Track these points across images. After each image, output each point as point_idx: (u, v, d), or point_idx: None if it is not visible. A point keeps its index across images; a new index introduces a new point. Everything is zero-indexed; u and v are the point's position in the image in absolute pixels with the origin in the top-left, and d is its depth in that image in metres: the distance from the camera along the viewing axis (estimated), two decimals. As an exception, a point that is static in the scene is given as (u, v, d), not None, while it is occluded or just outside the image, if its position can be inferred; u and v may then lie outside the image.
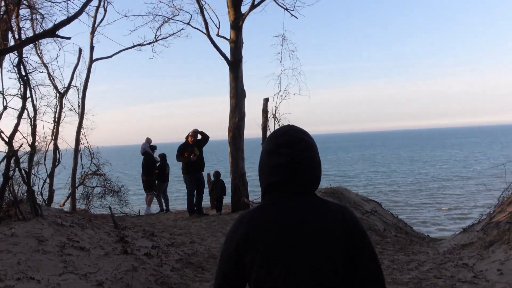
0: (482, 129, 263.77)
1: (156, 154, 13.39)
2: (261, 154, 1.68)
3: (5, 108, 7.35)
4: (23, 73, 6.97)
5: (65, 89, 12.94)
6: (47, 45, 20.54)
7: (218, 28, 11.49)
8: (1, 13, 7.54)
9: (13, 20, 7.56)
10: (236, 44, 10.99)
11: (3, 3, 7.54)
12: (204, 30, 11.31)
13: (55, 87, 12.82)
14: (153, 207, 13.51)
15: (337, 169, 45.74)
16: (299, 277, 1.50)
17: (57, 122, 12.70)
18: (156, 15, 12.50)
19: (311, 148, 1.63)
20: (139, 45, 13.36)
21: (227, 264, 1.61)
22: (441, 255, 7.61)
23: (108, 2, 12.62)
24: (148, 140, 13.35)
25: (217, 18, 11.66)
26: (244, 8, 11.10)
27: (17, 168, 6.36)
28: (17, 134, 6.83)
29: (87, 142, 13.27)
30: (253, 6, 10.93)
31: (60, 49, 12.72)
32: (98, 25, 12.81)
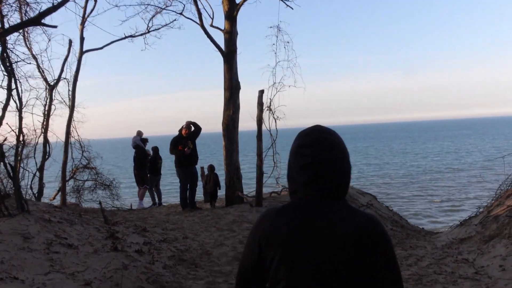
0: (473, 122, 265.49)
1: (148, 147, 13.16)
2: (289, 155, 1.64)
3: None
4: (8, 64, 6.69)
5: (55, 81, 12.67)
6: (36, 36, 20.16)
7: (212, 19, 11.20)
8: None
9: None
10: (231, 35, 10.72)
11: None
12: (198, 21, 11.02)
13: (45, 79, 12.55)
14: (145, 200, 13.29)
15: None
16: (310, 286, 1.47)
17: (47, 115, 12.45)
18: (148, 4, 12.19)
19: (337, 148, 1.56)
20: (131, 36, 13.04)
21: (250, 258, 1.60)
22: (439, 250, 7.47)
23: (98, -9, 12.28)
24: (139, 133, 13.09)
25: (211, 8, 11.33)
26: (238, -2, 10.84)
27: (1, 162, 6.10)
28: (5, 127, 6.57)
29: (78, 135, 13.05)
30: (248, -4, 10.67)
31: (49, 40, 12.37)
32: (88, 16, 12.50)
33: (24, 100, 10.20)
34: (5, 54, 6.44)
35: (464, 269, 5.93)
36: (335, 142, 1.56)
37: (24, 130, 9.48)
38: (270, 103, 10.80)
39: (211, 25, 11.11)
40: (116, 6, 12.48)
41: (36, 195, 11.79)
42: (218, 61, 11.05)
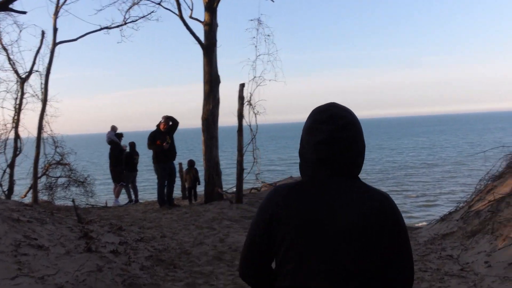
0: (448, 118, 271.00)
1: (124, 142, 12.77)
2: (302, 132, 1.60)
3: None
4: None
5: (26, 74, 12.15)
6: (7, 27, 19.43)
7: (192, 10, 10.90)
8: None
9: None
10: (211, 27, 10.45)
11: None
12: (177, 12, 10.69)
13: (16, 72, 12.04)
14: (121, 197, 12.92)
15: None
16: (323, 267, 1.44)
17: (18, 108, 11.96)
18: (125, -6, 11.77)
19: (353, 127, 1.53)
20: (107, 28, 12.55)
21: (258, 234, 1.55)
22: (422, 246, 7.39)
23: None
24: (114, 128, 12.68)
25: (191, -1, 11.04)
26: (219, -11, 10.55)
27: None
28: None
29: (51, 130, 12.52)
30: (228, -13, 10.40)
31: (20, 31, 11.85)
32: (62, 5, 11.99)
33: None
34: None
35: (449, 265, 5.84)
36: (351, 120, 1.53)
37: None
38: (250, 97, 10.60)
39: (191, 17, 10.81)
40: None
41: (6, 192, 11.31)
42: (198, 54, 10.77)
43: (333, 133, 1.49)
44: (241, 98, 9.95)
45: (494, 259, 5.61)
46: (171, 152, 10.23)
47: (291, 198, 1.50)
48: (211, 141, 10.43)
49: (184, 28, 10.61)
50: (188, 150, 57.53)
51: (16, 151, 11.71)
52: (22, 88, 12.03)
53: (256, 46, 10.93)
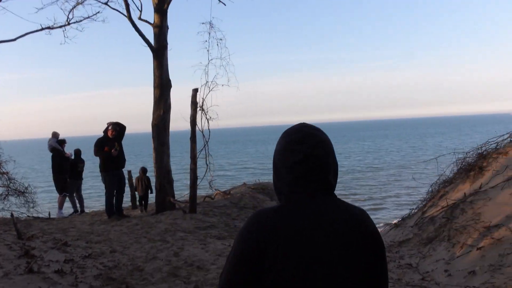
0: (391, 123, 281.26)
1: (67, 149, 12.04)
2: (274, 154, 1.60)
3: None
4: None
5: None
6: None
7: (141, 11, 10.43)
8: None
9: None
10: (161, 29, 10.04)
11: None
12: (125, 12, 10.20)
13: None
14: (66, 207, 12.16)
15: (256, 162, 45.84)
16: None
17: None
18: (68, -7, 11.10)
19: (325, 145, 1.55)
20: (49, 28, 11.81)
21: (243, 267, 1.43)
22: (379, 254, 7.36)
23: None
24: (55, 135, 11.92)
25: (140, -1, 10.58)
26: (169, -10, 10.16)
27: None
28: None
29: (-15, 136, 11.62)
30: (179, -12, 10.05)
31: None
32: (-2, 3, 11.15)
33: None
34: None
35: (410, 275, 5.81)
36: (323, 138, 1.57)
37: None
38: (202, 102, 10.30)
39: (140, 18, 10.35)
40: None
41: None
42: (147, 57, 10.34)
43: (307, 151, 1.51)
44: (194, 103, 9.62)
45: (453, 267, 5.62)
46: (120, 159, 9.70)
47: (277, 222, 1.44)
48: (162, 148, 10.01)
49: (133, 29, 10.15)
50: (135, 156, 56.06)
51: None
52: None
53: (208, 50, 10.67)
